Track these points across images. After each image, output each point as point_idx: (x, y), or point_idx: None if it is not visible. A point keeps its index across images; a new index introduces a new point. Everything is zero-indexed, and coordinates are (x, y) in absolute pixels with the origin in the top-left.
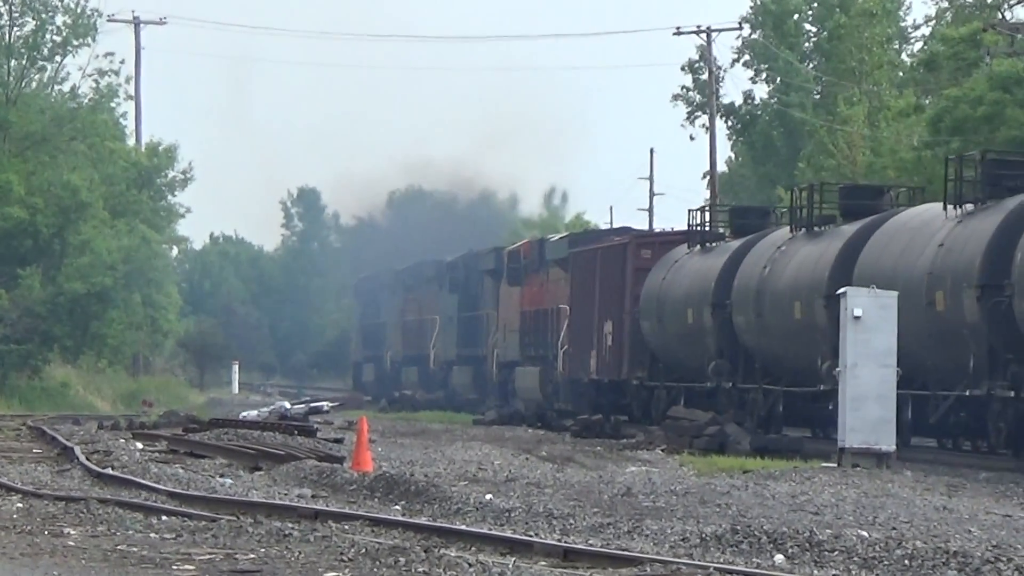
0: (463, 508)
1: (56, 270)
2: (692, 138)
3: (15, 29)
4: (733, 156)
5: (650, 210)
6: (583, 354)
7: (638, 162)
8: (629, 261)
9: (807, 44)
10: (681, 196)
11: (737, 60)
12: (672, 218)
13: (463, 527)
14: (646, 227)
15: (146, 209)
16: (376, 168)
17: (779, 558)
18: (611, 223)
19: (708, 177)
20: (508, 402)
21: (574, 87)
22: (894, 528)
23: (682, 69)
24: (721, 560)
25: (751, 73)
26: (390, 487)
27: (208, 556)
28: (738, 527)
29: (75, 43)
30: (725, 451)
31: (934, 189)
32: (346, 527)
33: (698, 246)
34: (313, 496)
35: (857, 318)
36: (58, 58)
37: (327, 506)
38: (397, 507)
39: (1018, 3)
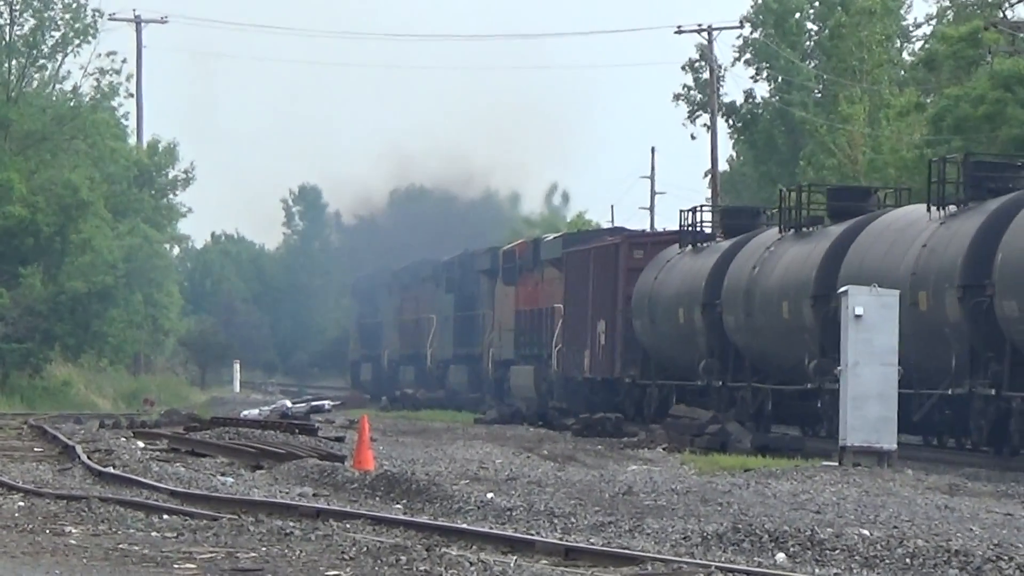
0: (464, 507)
1: (57, 269)
2: (693, 137)
3: (16, 28)
4: (734, 155)
5: (651, 209)
6: (577, 353)
7: (639, 161)
8: (622, 261)
9: (808, 43)
10: (682, 195)
11: (738, 59)
12: (673, 217)
13: (464, 526)
14: (647, 226)
15: (147, 208)
16: (376, 166)
17: (780, 557)
18: (612, 222)
19: (709, 176)
20: (503, 400)
21: (575, 86)
22: (895, 527)
23: (683, 68)
24: (722, 559)
25: (752, 72)
26: (391, 486)
27: (209, 555)
28: (739, 526)
29: (76, 42)
30: (726, 450)
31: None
32: (347, 526)
33: (689, 246)
34: (314, 495)
35: (858, 317)
36: (59, 56)
37: (328, 505)
38: (398, 506)
39: (1019, 1)
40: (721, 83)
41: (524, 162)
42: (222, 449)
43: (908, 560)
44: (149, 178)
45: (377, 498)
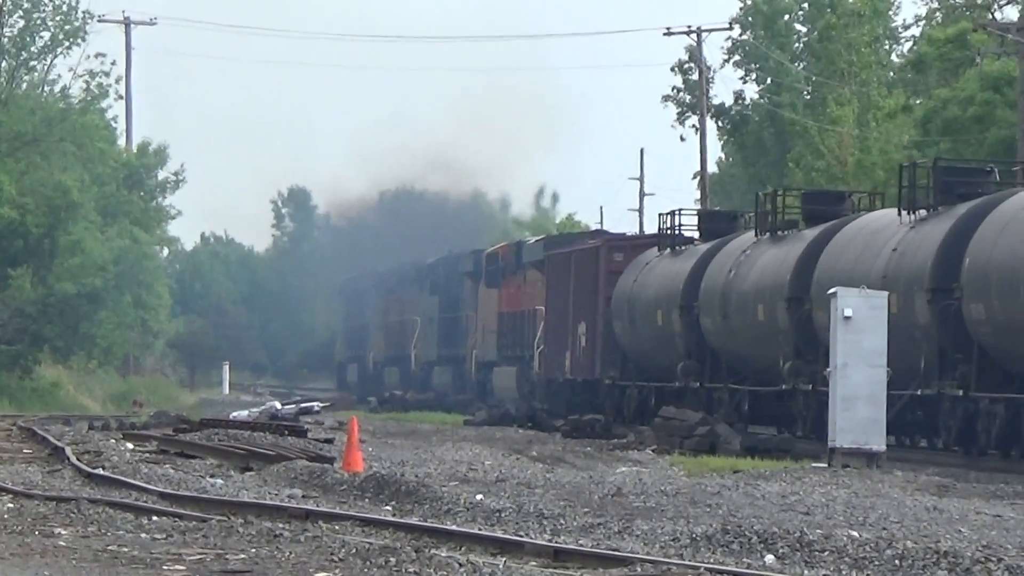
0: (454, 508)
1: (47, 271)
2: (682, 139)
3: (5, 30)
4: (723, 156)
5: (640, 211)
6: (558, 354)
7: (629, 162)
8: (602, 264)
9: (797, 45)
10: (672, 196)
11: (727, 60)
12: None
13: (454, 527)
14: (637, 227)
15: (136, 210)
16: (365, 168)
17: (769, 558)
18: (601, 223)
19: (698, 177)
20: (486, 401)
21: (564, 87)
22: (884, 528)
23: (672, 69)
24: (711, 560)
25: (741, 73)
26: (380, 487)
27: (198, 556)
28: (728, 527)
29: (65, 44)
30: (715, 451)
31: None
32: (336, 527)
33: (668, 249)
34: (304, 496)
35: (848, 318)
36: (48, 58)
37: (317, 506)
38: (388, 507)
39: (1008, 3)
40: (710, 85)
41: (513, 164)
42: (211, 451)
43: (897, 561)
44: (139, 180)
45: (366, 500)
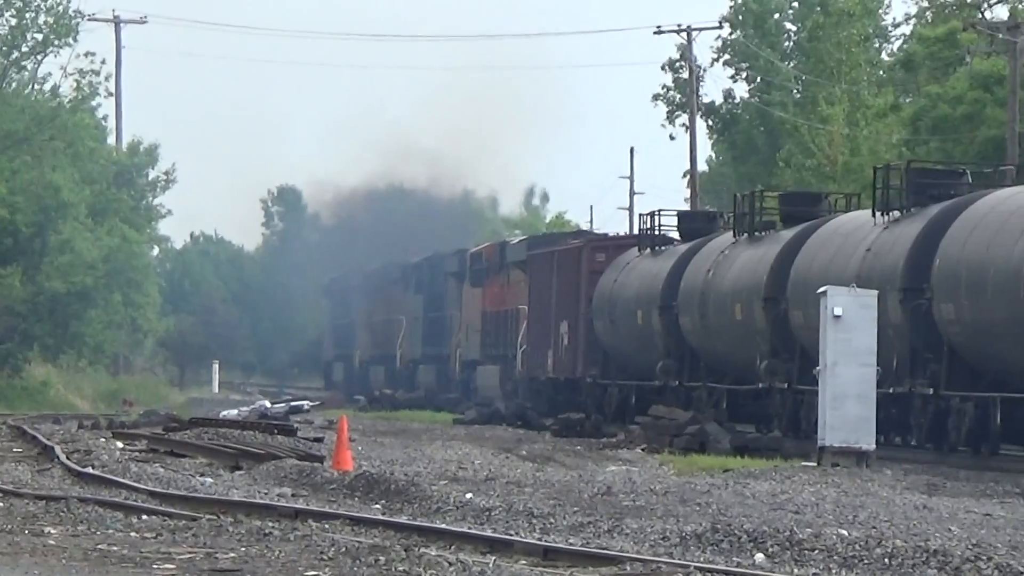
0: (443, 507)
1: (36, 269)
2: (672, 137)
3: None
4: (713, 155)
5: (630, 210)
6: (540, 353)
7: (619, 161)
8: (584, 264)
9: (787, 43)
10: (662, 195)
11: (717, 59)
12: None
13: (443, 526)
14: (626, 226)
15: (126, 208)
16: (354, 166)
17: (759, 557)
18: (591, 223)
19: (688, 176)
20: (469, 399)
21: (554, 86)
22: (874, 527)
23: (662, 68)
24: (701, 559)
25: (731, 72)
26: (370, 486)
27: (188, 555)
28: (718, 526)
29: (56, 43)
30: (705, 450)
31: None
32: (326, 526)
33: (648, 250)
34: (293, 495)
35: (837, 317)
36: (39, 57)
37: (307, 505)
38: (377, 506)
39: (998, 2)
40: (700, 83)
41: (503, 163)
42: (201, 449)
43: (887, 560)
44: (129, 178)
45: (356, 498)
